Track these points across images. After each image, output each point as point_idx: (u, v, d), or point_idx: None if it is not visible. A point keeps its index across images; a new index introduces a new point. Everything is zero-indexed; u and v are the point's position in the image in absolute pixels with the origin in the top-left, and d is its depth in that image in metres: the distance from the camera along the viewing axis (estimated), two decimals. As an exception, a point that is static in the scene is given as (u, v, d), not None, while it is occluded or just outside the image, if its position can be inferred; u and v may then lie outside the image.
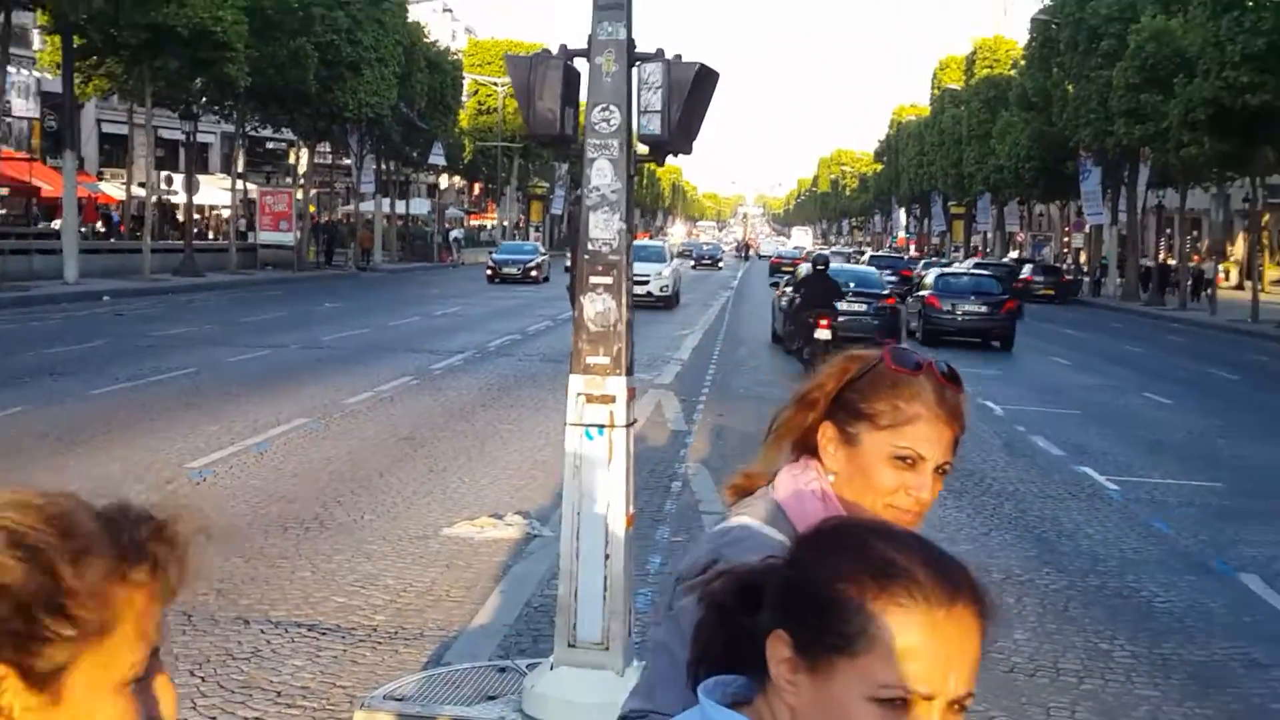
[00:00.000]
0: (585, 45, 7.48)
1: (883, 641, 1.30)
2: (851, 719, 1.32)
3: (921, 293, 30.57)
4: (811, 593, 1.35)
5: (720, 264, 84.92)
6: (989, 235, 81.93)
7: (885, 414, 1.97)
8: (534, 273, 48.94)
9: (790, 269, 37.47)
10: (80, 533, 1.14)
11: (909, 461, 1.96)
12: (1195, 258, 55.88)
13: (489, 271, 49.38)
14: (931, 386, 2.00)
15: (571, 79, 7.63)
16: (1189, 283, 47.77)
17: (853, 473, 2.00)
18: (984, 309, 28.69)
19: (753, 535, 1.91)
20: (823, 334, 21.02)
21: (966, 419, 2.03)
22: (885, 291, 27.39)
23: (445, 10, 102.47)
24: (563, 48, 7.63)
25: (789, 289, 25.10)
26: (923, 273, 37.21)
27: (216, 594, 7.63)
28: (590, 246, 7.91)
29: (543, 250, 54.36)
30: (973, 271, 35.54)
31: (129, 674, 1.16)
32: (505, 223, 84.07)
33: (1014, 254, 72.49)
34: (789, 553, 1.44)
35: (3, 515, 1.13)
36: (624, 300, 7.99)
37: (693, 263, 78.89)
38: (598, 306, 7.82)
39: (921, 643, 1.30)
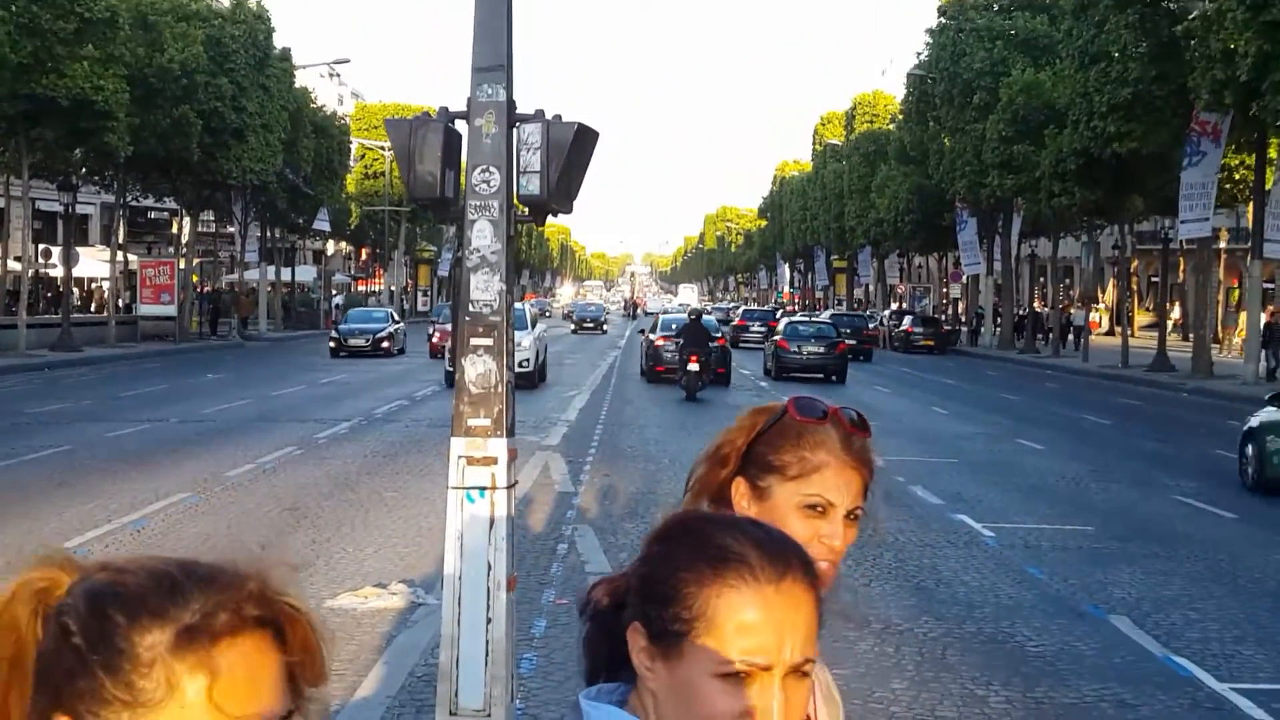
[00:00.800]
0: (466, 107, 7.56)
1: (720, 621, 1.41)
2: (702, 697, 1.42)
3: (775, 337, 37.04)
4: (657, 584, 1.47)
5: (605, 326, 76.66)
6: (870, 288, 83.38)
7: (793, 465, 1.99)
8: (385, 344, 42.93)
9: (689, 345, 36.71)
10: (160, 600, 1.14)
11: (819, 509, 1.98)
12: (1065, 306, 57.46)
13: (331, 344, 42.99)
14: (837, 434, 2.01)
15: (452, 141, 7.69)
16: (1059, 330, 49.11)
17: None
18: (822, 349, 34.61)
19: None
20: (693, 367, 27.35)
21: (874, 464, 2.06)
22: (719, 335, 33.30)
23: (332, 75, 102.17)
24: (443, 110, 7.68)
25: (662, 333, 32.90)
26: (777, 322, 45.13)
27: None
28: (471, 308, 7.95)
29: (397, 318, 47.89)
30: (814, 320, 42.91)
31: None
32: (393, 287, 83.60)
33: (894, 305, 73.89)
34: (641, 551, 1.55)
35: (95, 573, 1.16)
36: (505, 361, 8.04)
37: (573, 326, 74.40)
38: (479, 368, 7.85)
39: (755, 618, 1.40)
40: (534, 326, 30.69)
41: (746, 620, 1.40)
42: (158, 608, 1.13)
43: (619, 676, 1.56)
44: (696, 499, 2.09)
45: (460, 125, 7.93)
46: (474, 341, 8.00)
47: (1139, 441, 22.31)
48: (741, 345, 46.27)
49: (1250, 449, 16.24)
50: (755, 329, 47.78)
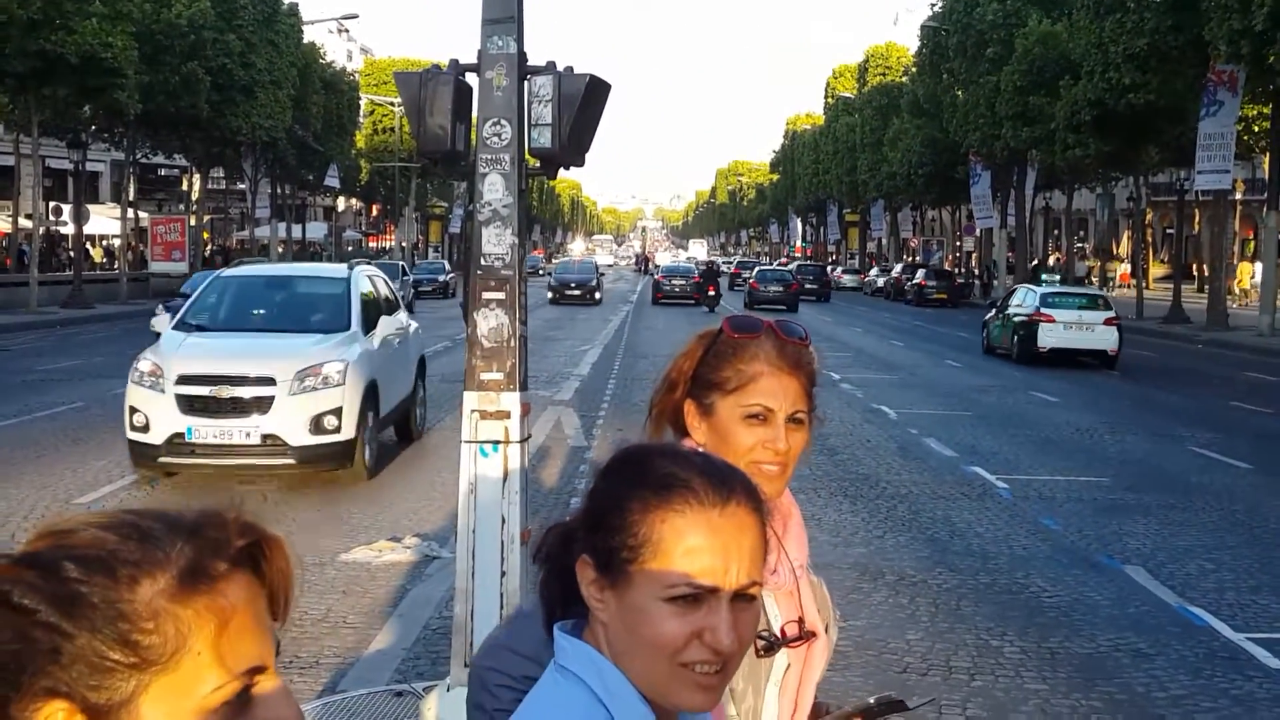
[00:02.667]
0: (476, 60, 7.47)
1: (665, 546, 1.45)
2: (652, 621, 1.45)
3: (750, 279, 53.22)
4: (603, 515, 1.50)
5: (598, 293, 52.56)
6: (883, 241, 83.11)
7: (731, 379, 2.08)
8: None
9: (683, 281, 54.20)
10: (135, 550, 1.05)
11: (760, 417, 2.07)
12: (1096, 262, 57.26)
13: None
14: (771, 344, 2.10)
15: (463, 94, 7.60)
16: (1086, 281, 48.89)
17: (716, 441, 2.09)
18: (781, 289, 49.43)
19: None
20: (711, 293, 47.57)
21: (816, 370, 2.14)
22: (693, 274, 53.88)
23: (341, 30, 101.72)
24: (453, 63, 7.60)
25: (664, 273, 56.73)
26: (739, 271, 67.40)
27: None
28: (483, 262, 7.90)
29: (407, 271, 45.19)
30: (778, 269, 58.95)
31: (215, 699, 1.06)
32: (404, 243, 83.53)
33: (907, 258, 73.67)
34: (589, 485, 1.59)
35: (35, 545, 1.04)
36: (517, 315, 8.00)
37: (551, 294, 50.77)
38: (490, 322, 7.82)
39: (700, 542, 1.44)
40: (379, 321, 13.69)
41: (692, 544, 1.44)
42: (140, 558, 1.05)
43: (571, 615, 1.58)
44: (658, 425, 2.18)
45: (470, 79, 7.86)
46: (486, 295, 7.95)
47: (1153, 393, 22.22)
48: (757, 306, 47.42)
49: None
50: (773, 290, 49.42)
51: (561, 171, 8.67)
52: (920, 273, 55.45)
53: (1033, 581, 9.19)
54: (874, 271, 70.62)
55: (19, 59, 32.23)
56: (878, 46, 79.40)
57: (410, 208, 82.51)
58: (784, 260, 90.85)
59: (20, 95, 36.49)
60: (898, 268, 63.29)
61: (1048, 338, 26.00)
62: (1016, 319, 27.08)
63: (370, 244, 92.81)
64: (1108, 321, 25.95)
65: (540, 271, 76.22)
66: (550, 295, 50.05)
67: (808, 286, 55.65)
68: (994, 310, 30.08)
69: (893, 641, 7.69)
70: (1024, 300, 27.51)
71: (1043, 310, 26.21)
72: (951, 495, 12.22)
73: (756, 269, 58.00)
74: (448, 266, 52.19)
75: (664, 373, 2.19)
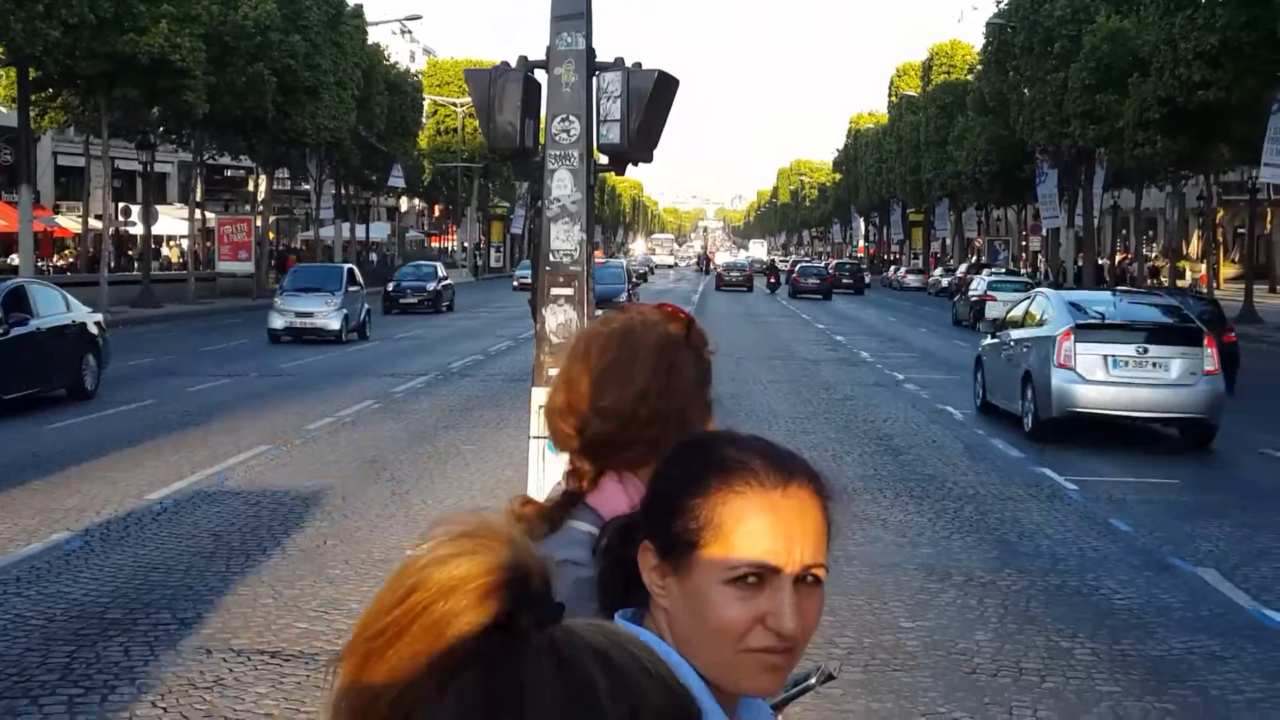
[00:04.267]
0: (545, 57, 7.47)
1: (727, 527, 1.44)
2: (713, 605, 1.44)
3: (793, 273, 66.62)
4: (664, 500, 1.50)
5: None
6: (947, 241, 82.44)
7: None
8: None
9: (739, 273, 73.54)
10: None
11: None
12: (1180, 263, 56.45)
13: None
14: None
15: (531, 91, 7.62)
16: (1150, 283, 48.23)
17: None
18: (817, 280, 62.68)
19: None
20: (772, 281, 72.13)
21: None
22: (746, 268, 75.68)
23: (404, 32, 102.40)
24: (522, 59, 7.61)
25: (722, 266, 79.73)
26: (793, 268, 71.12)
27: (179, 623, 7.60)
28: (551, 258, 7.91)
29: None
30: (815, 264, 75.49)
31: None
32: (466, 243, 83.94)
33: (971, 258, 73.01)
34: (653, 472, 1.57)
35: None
36: (586, 311, 7.99)
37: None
38: (559, 318, 7.83)
39: (762, 523, 1.43)
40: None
41: (753, 525, 1.43)
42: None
43: (631, 605, 1.57)
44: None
45: (539, 75, 7.86)
46: (554, 291, 7.97)
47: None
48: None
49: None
50: (811, 282, 62.70)
51: (629, 168, 8.68)
52: (986, 272, 54.91)
53: (1103, 583, 9.06)
54: (938, 271, 70.08)
55: (89, 61, 32.72)
56: (942, 44, 78.72)
57: (473, 208, 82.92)
58: (834, 258, 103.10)
59: (90, 97, 37.09)
60: (962, 267, 62.75)
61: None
62: None
63: (433, 244, 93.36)
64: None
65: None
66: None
67: (844, 281, 67.92)
68: None
69: (961, 642, 7.61)
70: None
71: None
72: (1019, 496, 12.08)
73: (799, 264, 72.92)
74: (440, 271, 44.42)
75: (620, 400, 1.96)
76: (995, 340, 17.86)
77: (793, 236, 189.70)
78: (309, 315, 28.71)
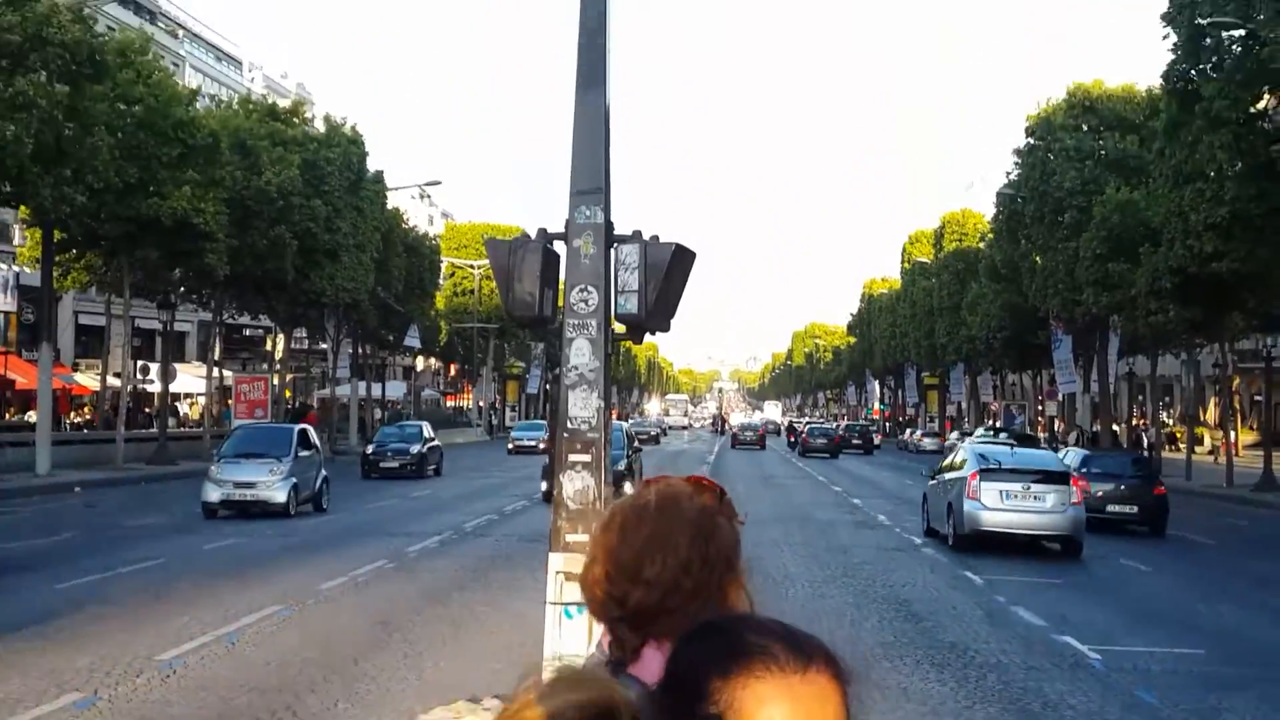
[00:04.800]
0: (563, 229, 7.60)
1: (747, 712, 1.44)
2: None
3: (802, 433, 69.93)
4: (683, 681, 1.50)
5: (625, 485, 24.10)
6: (963, 405, 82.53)
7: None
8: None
9: (753, 433, 79.15)
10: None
11: None
12: (1198, 429, 56.25)
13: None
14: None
15: (550, 261, 7.77)
16: (1161, 450, 48.02)
17: None
18: (825, 440, 65.87)
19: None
20: (790, 439, 78.86)
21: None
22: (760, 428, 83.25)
23: (424, 196, 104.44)
24: (541, 231, 7.76)
25: (737, 427, 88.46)
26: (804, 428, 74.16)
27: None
28: (569, 425, 7.92)
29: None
30: (822, 425, 79.17)
31: None
32: (481, 403, 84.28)
33: (988, 422, 73.00)
34: (670, 654, 1.58)
35: None
36: (603, 477, 7.97)
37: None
38: (576, 484, 7.81)
39: (781, 710, 1.43)
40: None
41: (773, 711, 1.43)
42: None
43: None
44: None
45: (558, 246, 8.02)
46: (572, 458, 7.96)
47: (1246, 562, 21.59)
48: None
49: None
50: (819, 441, 67.67)
51: (646, 337, 8.76)
52: (1002, 437, 54.80)
53: (1132, 759, 8.82)
54: (953, 435, 70.00)
55: (115, 223, 33.35)
56: (953, 213, 79.91)
57: (488, 368, 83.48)
58: (846, 420, 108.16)
59: (114, 257, 37.71)
60: (978, 431, 62.68)
61: None
62: None
63: (448, 403, 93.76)
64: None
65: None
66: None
67: (853, 441, 72.19)
68: None
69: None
70: None
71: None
72: (1042, 665, 11.84)
73: (808, 425, 75.83)
74: (427, 431, 41.30)
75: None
76: (934, 481, 23.63)
77: (808, 398, 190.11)
78: (249, 486, 24.62)
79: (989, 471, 20.95)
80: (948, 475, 22.52)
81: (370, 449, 39.71)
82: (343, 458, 51.81)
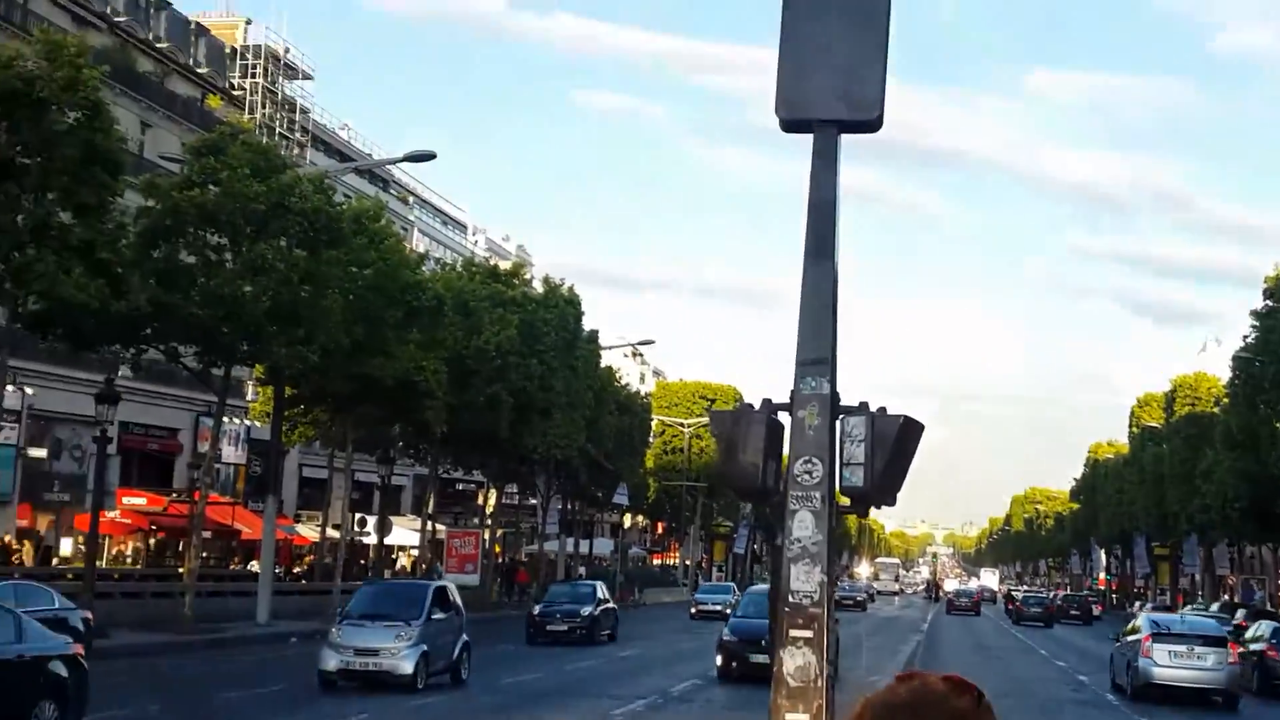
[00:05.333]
0: (788, 399, 7.28)
1: None
2: None
3: (1014, 604, 72.59)
4: None
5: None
6: (1197, 578, 78.23)
7: None
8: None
9: (967, 599, 79.84)
10: None
11: None
12: None
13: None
14: None
15: (775, 433, 7.51)
16: None
17: None
18: (1039, 609, 67.42)
19: None
20: (1010, 609, 73.50)
21: None
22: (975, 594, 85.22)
23: (635, 354, 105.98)
24: (766, 402, 7.50)
25: (951, 594, 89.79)
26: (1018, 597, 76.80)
27: None
28: (791, 599, 7.48)
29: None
30: (1037, 594, 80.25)
31: None
32: (688, 561, 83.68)
33: (1224, 597, 68.87)
34: None
35: None
36: (824, 654, 7.49)
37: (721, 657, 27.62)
38: (798, 660, 7.31)
39: None
40: None
41: None
42: None
43: None
44: None
45: (782, 417, 7.73)
46: (793, 633, 7.46)
47: None
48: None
49: None
50: (1033, 610, 68.18)
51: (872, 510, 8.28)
52: (1240, 613, 51.50)
53: None
54: (1187, 609, 66.20)
55: (341, 381, 34.40)
56: (1185, 376, 76.75)
57: (695, 526, 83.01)
58: (1065, 589, 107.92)
59: (338, 413, 38.90)
60: (1214, 607, 59.09)
61: None
62: None
63: (654, 561, 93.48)
64: None
65: None
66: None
67: (1071, 611, 73.40)
68: None
69: None
70: None
71: None
72: None
73: (1023, 593, 78.79)
74: (601, 592, 38.01)
75: None
76: (1118, 643, 28.26)
77: (1027, 565, 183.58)
78: (372, 653, 21.26)
79: (1160, 635, 25.36)
80: (1129, 638, 26.97)
81: (538, 609, 36.35)
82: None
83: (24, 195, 25.01)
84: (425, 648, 21.49)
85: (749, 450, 7.36)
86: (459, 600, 24.38)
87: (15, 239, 24.65)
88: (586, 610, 35.56)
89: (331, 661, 21.10)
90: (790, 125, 7.84)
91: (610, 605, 37.76)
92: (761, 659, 21.68)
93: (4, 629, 12.92)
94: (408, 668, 21.06)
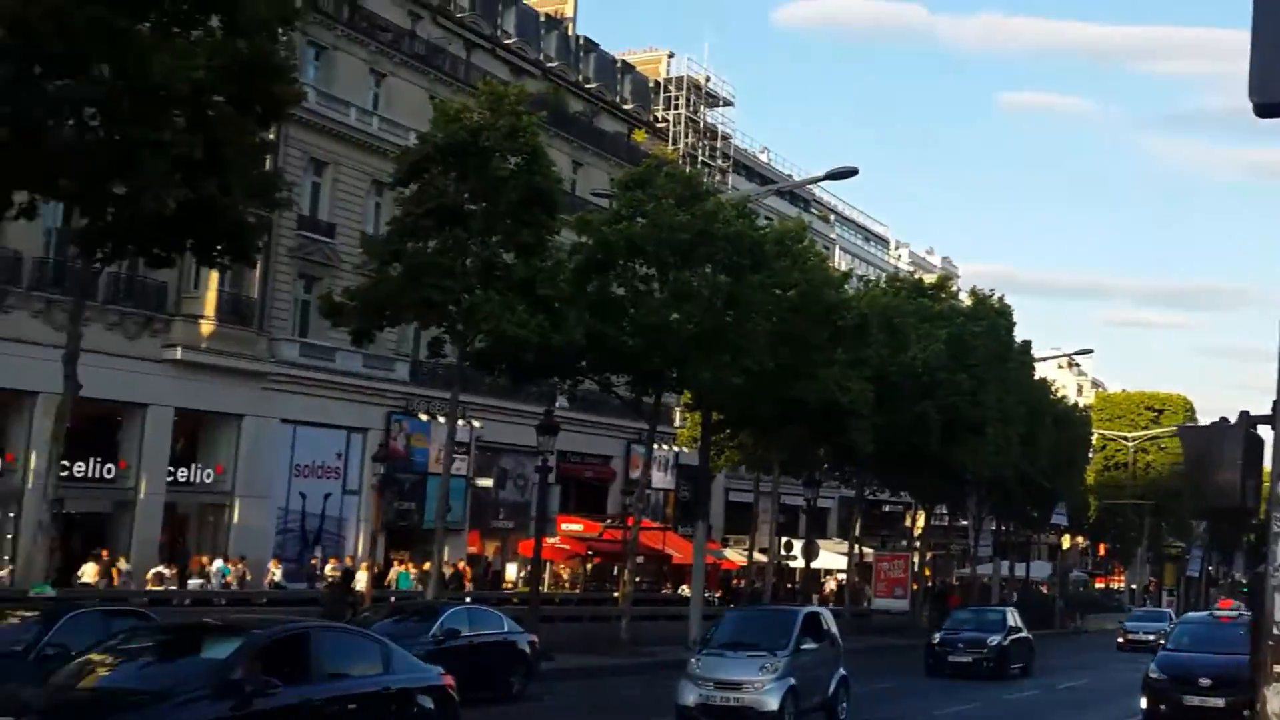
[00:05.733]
0: (1270, 411, 6.66)
1: None
2: None
3: None
4: None
5: None
6: None
7: None
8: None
9: None
10: None
11: None
12: None
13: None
14: None
15: (1254, 447, 6.94)
16: None
17: None
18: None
19: None
20: None
21: None
22: None
23: (1071, 365, 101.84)
24: (1243, 415, 6.93)
25: None
26: None
27: None
28: (1276, 630, 6.83)
29: (1015, 621, 34.64)
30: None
31: None
32: (1134, 585, 79.29)
33: None
34: None
35: None
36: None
37: None
38: (1287, 701, 6.70)
39: None
40: None
41: None
42: None
43: None
44: None
45: (1263, 430, 7.12)
46: (1279, 669, 6.79)
47: None
48: None
49: None
50: None
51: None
52: None
53: None
54: None
55: (766, 404, 34.68)
56: None
57: (1142, 547, 78.53)
58: None
59: (763, 437, 39.31)
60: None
61: None
62: None
63: (1097, 585, 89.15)
64: None
65: None
66: None
67: None
68: None
69: None
70: None
71: None
72: None
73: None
74: (1012, 619, 34.55)
75: None
76: None
77: None
78: (734, 687, 18.91)
79: None
80: None
81: (937, 638, 32.95)
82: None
83: (471, 239, 26.83)
84: (793, 681, 18.95)
85: (1225, 466, 6.74)
86: (834, 629, 21.80)
87: (465, 281, 26.43)
88: (994, 639, 32.26)
89: (690, 696, 18.95)
90: (1267, 110, 7.15)
91: (1024, 635, 34.30)
92: (1196, 701, 19.93)
93: (370, 660, 12.41)
94: (772, 704, 18.60)
